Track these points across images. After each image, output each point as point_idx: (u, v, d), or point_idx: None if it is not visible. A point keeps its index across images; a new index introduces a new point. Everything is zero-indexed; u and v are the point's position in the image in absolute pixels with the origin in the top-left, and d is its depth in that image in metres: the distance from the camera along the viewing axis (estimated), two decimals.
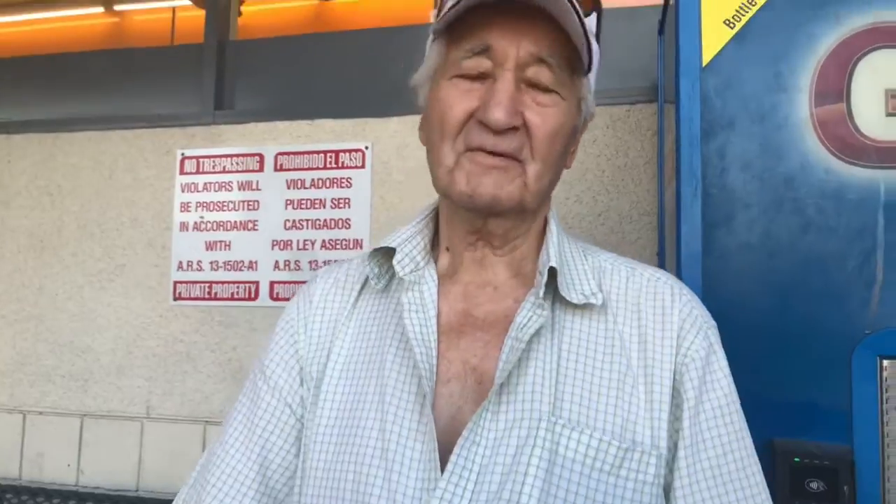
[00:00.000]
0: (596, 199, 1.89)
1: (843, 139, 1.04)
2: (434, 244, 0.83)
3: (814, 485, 0.96)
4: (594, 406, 0.70)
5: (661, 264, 1.68)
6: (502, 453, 0.67)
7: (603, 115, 1.91)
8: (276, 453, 0.79)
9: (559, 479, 0.66)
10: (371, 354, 0.77)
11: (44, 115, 2.33)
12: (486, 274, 0.79)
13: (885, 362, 0.98)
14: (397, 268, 0.77)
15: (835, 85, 1.06)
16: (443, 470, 0.67)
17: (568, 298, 0.74)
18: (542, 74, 0.72)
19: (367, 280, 0.83)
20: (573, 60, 0.73)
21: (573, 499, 0.66)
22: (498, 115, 0.69)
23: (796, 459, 0.97)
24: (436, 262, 0.81)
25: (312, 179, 2.11)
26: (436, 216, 0.84)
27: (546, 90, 0.73)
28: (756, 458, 0.73)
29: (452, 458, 0.67)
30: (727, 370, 0.74)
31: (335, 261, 0.90)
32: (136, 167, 2.19)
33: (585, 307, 0.75)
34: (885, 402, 0.97)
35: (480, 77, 0.72)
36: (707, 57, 1.13)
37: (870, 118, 1.03)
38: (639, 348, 0.73)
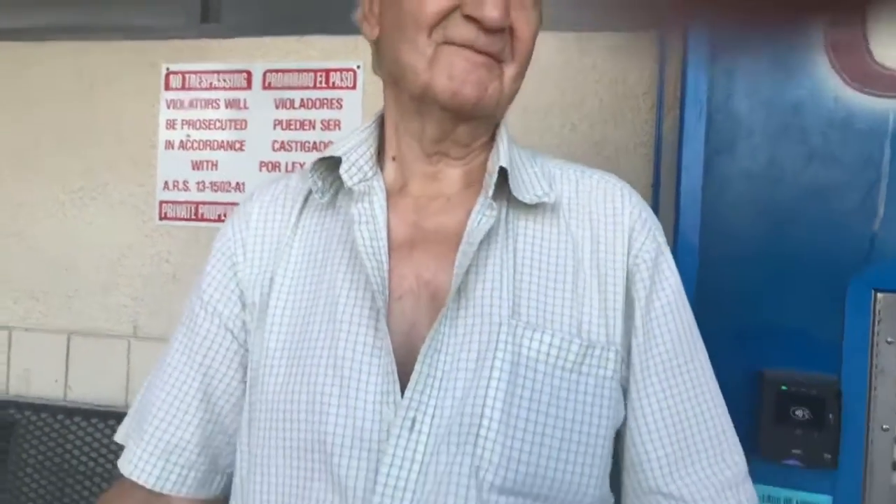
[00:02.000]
0: (592, 127, 1.85)
1: (856, 66, 1.00)
2: (379, 154, 0.79)
3: (799, 413, 0.97)
4: (550, 307, 0.70)
5: (656, 197, 1.66)
6: (464, 359, 0.67)
7: (602, 41, 1.85)
8: (219, 379, 0.77)
9: (524, 380, 0.66)
10: (319, 273, 0.74)
11: (19, 23, 2.21)
12: (438, 185, 0.77)
13: (880, 295, 0.98)
14: (344, 177, 0.74)
15: (852, 8, 1.01)
16: (402, 383, 0.66)
17: (520, 199, 0.72)
18: None
19: (308, 195, 0.79)
20: None
21: (538, 397, 0.66)
22: (495, 13, 0.66)
23: (783, 387, 0.98)
24: (382, 172, 0.78)
25: (302, 99, 2.04)
26: (380, 125, 0.81)
27: None
28: (703, 349, 0.75)
29: (417, 366, 0.66)
30: (674, 268, 0.76)
31: None
32: (118, 80, 2.11)
33: (538, 208, 0.74)
34: (876, 334, 0.97)
35: None
36: None
37: (887, 44, 1.00)
38: (591, 248, 0.73)
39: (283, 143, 2.06)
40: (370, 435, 0.66)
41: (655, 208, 1.67)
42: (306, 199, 0.79)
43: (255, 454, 0.72)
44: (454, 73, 0.68)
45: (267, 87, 2.06)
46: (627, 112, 1.84)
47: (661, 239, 0.76)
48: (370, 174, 0.76)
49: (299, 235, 0.77)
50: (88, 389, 2.04)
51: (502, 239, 0.72)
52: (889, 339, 0.97)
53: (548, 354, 0.67)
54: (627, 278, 0.72)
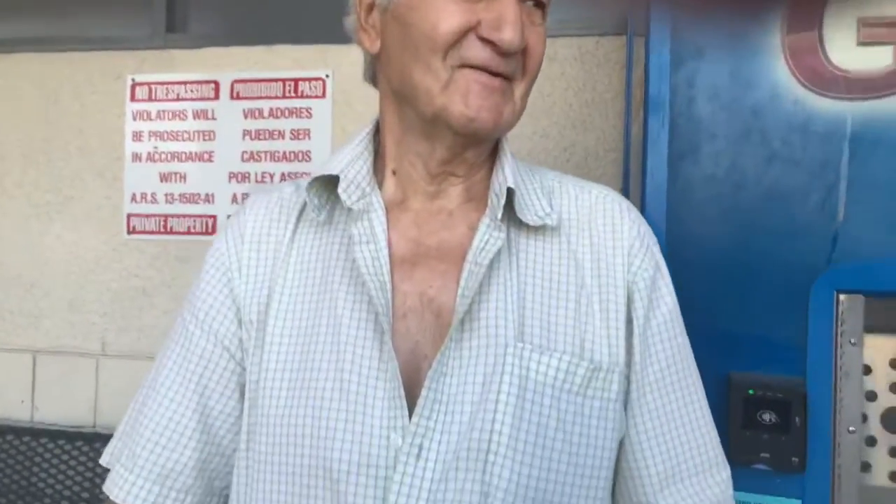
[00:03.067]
0: (562, 133, 1.86)
1: (814, 69, 1.01)
2: (376, 167, 0.77)
3: (766, 416, 0.97)
4: (554, 328, 0.69)
5: None
6: (471, 382, 0.66)
7: (571, 48, 1.85)
8: (216, 399, 0.74)
9: (531, 405, 0.66)
10: (319, 293, 0.72)
11: None
12: (440, 201, 0.75)
13: (842, 296, 0.98)
14: (343, 197, 0.72)
15: (808, 12, 1.02)
16: (408, 407, 0.65)
17: (525, 220, 0.72)
18: None
19: (302, 210, 0.77)
20: None
21: (546, 422, 0.66)
22: (512, 36, 0.65)
23: (751, 391, 0.98)
24: (380, 185, 0.76)
25: (271, 109, 2.02)
26: (374, 137, 0.79)
27: (539, 5, 0.70)
28: (695, 366, 0.76)
29: (423, 391, 0.65)
30: (671, 286, 0.75)
31: None
32: (83, 92, 2.07)
33: (540, 228, 0.73)
34: (839, 335, 0.98)
35: None
36: None
37: (841, 47, 1.00)
38: (592, 266, 0.72)
39: (252, 153, 2.03)
40: (377, 461, 0.64)
41: None
42: (301, 213, 0.77)
43: (255, 477, 0.70)
44: (470, 99, 0.66)
45: (235, 97, 2.04)
46: (597, 118, 1.84)
47: (659, 256, 0.76)
48: (368, 190, 0.74)
49: (296, 251, 0.75)
50: (55, 409, 2.00)
51: (506, 259, 0.71)
52: (852, 341, 0.97)
53: (555, 378, 0.67)
54: (627, 297, 0.72)
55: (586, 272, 0.72)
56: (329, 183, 0.74)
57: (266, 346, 0.72)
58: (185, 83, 2.06)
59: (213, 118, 2.05)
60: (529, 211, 0.72)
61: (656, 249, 0.76)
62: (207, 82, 2.05)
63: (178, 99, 2.06)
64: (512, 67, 0.68)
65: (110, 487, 0.75)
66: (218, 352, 0.74)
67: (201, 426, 0.73)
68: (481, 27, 0.66)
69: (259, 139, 2.03)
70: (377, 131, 0.80)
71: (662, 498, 0.71)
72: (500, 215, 0.70)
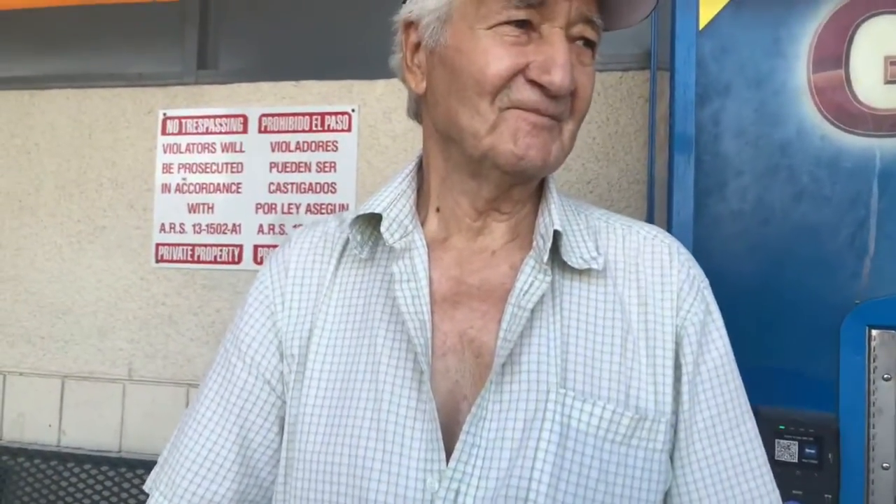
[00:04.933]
0: (585, 166, 1.87)
1: (841, 106, 1.02)
2: (418, 204, 0.77)
3: (798, 452, 0.96)
4: (598, 375, 0.67)
5: None
6: (510, 428, 0.64)
7: (595, 80, 1.88)
8: (255, 431, 0.74)
9: (572, 454, 0.64)
10: (360, 329, 0.72)
11: (20, 71, 2.25)
12: (483, 239, 0.74)
13: (874, 332, 0.97)
14: (386, 235, 0.72)
15: (834, 51, 1.04)
16: (445, 449, 0.64)
17: (570, 264, 0.70)
18: (587, 32, 0.68)
19: (345, 246, 0.78)
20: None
21: (587, 472, 0.64)
22: (562, 79, 0.64)
23: (781, 427, 0.97)
24: (422, 221, 0.76)
25: (297, 142, 2.07)
26: (417, 173, 0.79)
27: (589, 44, 0.69)
28: (751, 414, 0.72)
29: (462, 436, 0.64)
30: (723, 329, 0.73)
31: None
32: (116, 127, 2.13)
33: (585, 271, 0.71)
34: (872, 371, 0.97)
35: (522, 28, 0.66)
36: (704, 21, 1.10)
37: (868, 85, 1.01)
38: (638, 311, 0.70)
39: (279, 184, 2.07)
40: (413, 503, 0.63)
41: None
42: (344, 248, 0.77)
43: None
44: (519, 138, 0.66)
45: (263, 130, 2.09)
46: (620, 151, 1.86)
47: (710, 298, 0.73)
48: (410, 228, 0.73)
49: (338, 287, 0.75)
50: (82, 434, 2.02)
51: (549, 302, 0.69)
52: (886, 376, 0.97)
53: (598, 427, 0.65)
54: (676, 342, 0.69)
55: (633, 316, 0.70)
56: (372, 220, 0.74)
57: (306, 381, 0.72)
58: (214, 117, 2.11)
59: (242, 151, 2.10)
60: (575, 254, 0.71)
61: (708, 293, 0.73)
62: (236, 116, 2.10)
63: (207, 132, 2.12)
64: (561, 109, 0.67)
65: None
66: (259, 385, 0.74)
67: (241, 458, 0.73)
68: (530, 70, 0.65)
69: (286, 171, 2.07)
70: (420, 167, 0.79)
71: None
72: (546, 258, 0.68)
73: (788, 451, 0.97)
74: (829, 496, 0.95)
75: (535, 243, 0.71)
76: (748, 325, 1.02)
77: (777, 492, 0.72)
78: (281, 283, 0.77)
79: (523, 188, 0.73)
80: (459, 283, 0.72)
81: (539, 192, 0.76)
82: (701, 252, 1.04)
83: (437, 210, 0.76)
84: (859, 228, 1.00)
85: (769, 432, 0.97)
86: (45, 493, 1.86)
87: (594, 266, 0.71)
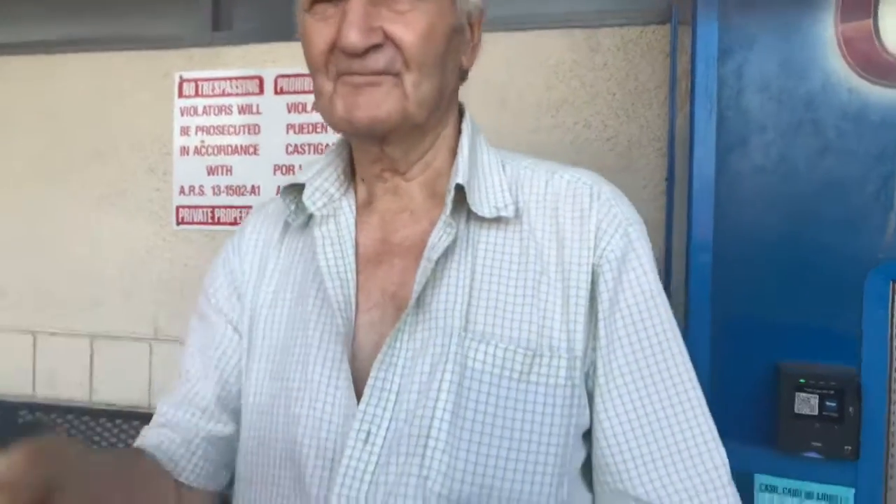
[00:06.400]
0: (605, 123, 1.85)
1: (869, 57, 1.00)
2: (354, 173, 0.82)
3: (818, 405, 0.97)
4: (507, 316, 0.70)
5: (671, 191, 1.66)
6: (419, 371, 0.68)
7: (614, 37, 1.85)
8: (235, 379, 0.82)
9: (468, 391, 0.67)
10: (298, 292, 0.78)
11: (40, 35, 2.25)
12: (401, 200, 0.78)
13: None
14: (307, 203, 0.76)
15: (862, 0, 1.01)
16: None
17: (479, 213, 0.73)
18: None
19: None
20: None
21: (484, 408, 0.67)
22: (352, 38, 0.67)
23: (801, 381, 0.98)
24: (356, 192, 0.80)
25: (313, 103, 2.06)
26: (349, 145, 0.82)
27: None
28: (681, 350, 0.72)
29: (370, 380, 0.68)
30: (648, 266, 0.72)
31: None
32: (134, 90, 2.14)
33: (499, 219, 0.74)
34: (894, 326, 0.97)
35: (335, 3, 0.69)
36: None
37: None
38: (557, 253, 0.72)
39: (296, 146, 2.07)
40: (332, 445, 0.69)
41: (669, 203, 1.67)
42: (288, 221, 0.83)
43: (243, 463, 0.77)
44: (343, 102, 0.69)
45: (279, 91, 2.08)
46: (640, 108, 1.84)
47: (636, 235, 0.73)
48: (337, 195, 0.78)
49: (282, 254, 0.81)
50: (112, 391, 2.08)
51: (461, 252, 0.72)
52: None
53: (493, 366, 0.68)
54: (592, 280, 0.71)
55: (549, 258, 0.72)
56: (303, 190, 0.79)
57: (254, 338, 0.79)
58: (230, 79, 2.11)
59: (258, 112, 2.10)
60: (487, 203, 0.73)
61: (633, 230, 0.73)
62: (252, 78, 2.09)
63: (223, 94, 2.11)
64: (381, 63, 0.69)
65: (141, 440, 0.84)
66: (232, 333, 0.82)
67: (220, 405, 0.82)
68: (338, 39, 0.69)
69: (302, 133, 2.07)
70: None
71: (641, 484, 0.69)
72: (448, 212, 0.71)
73: (808, 404, 0.98)
74: (850, 448, 0.96)
75: (446, 198, 0.74)
76: (771, 281, 1.03)
77: (708, 421, 0.71)
78: (239, 248, 0.84)
79: (393, 147, 0.74)
80: (384, 243, 0.76)
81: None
82: (723, 209, 1.04)
83: (362, 180, 0.80)
84: (885, 183, 0.99)
85: (790, 386, 0.98)
86: None
87: (504, 214, 0.73)
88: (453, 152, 0.78)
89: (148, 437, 0.82)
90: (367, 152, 0.76)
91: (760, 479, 1.04)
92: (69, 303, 2.14)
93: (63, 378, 2.13)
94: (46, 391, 2.13)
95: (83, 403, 2.08)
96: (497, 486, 0.66)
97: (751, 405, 1.02)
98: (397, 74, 0.69)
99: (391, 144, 0.74)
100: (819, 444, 0.97)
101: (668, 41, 1.82)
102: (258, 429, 0.75)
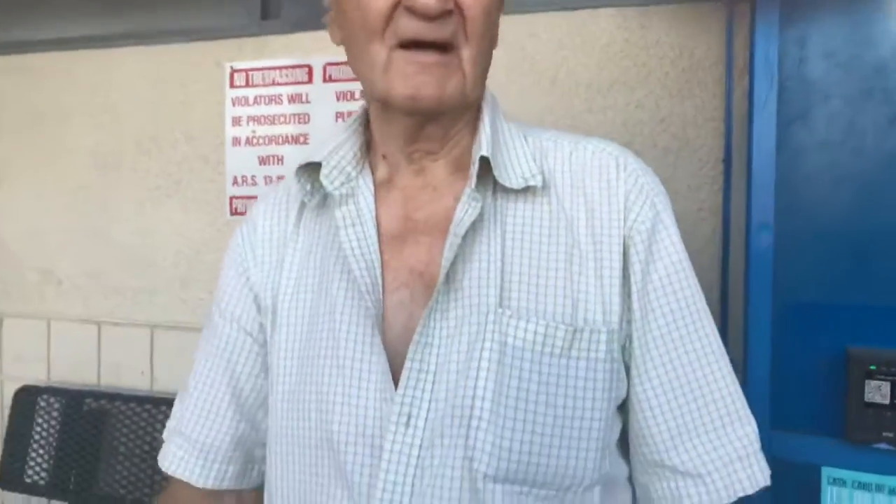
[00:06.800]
0: (658, 103, 1.79)
1: None
2: (370, 151, 0.79)
3: (890, 393, 0.91)
4: (541, 291, 0.69)
5: (728, 171, 1.59)
6: (455, 351, 0.67)
7: (665, 14, 1.78)
8: (244, 381, 0.81)
9: (510, 369, 0.66)
10: (320, 276, 0.76)
11: (98, 30, 2.32)
12: (425, 177, 0.76)
13: None
14: (325, 183, 0.75)
15: None
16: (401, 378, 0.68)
17: (506, 185, 0.71)
18: None
19: None
20: None
21: (527, 385, 0.66)
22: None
23: (872, 367, 0.92)
24: (373, 170, 0.78)
25: (362, 90, 2.06)
26: (365, 122, 0.80)
27: None
28: (710, 321, 0.72)
29: (407, 363, 0.67)
30: (676, 237, 0.72)
31: None
32: (186, 81, 2.18)
33: (527, 191, 0.72)
34: None
35: None
36: None
37: None
38: (586, 224, 0.71)
39: None
40: (372, 431, 0.68)
41: (727, 184, 1.61)
42: (303, 202, 0.81)
43: (274, 450, 0.76)
44: (409, 78, 0.66)
45: (328, 80, 2.09)
46: (695, 86, 1.76)
47: (662, 206, 0.72)
48: (354, 174, 0.77)
49: (301, 238, 0.79)
50: (171, 380, 2.14)
51: (490, 226, 0.71)
52: None
53: (533, 342, 0.67)
54: (623, 252, 0.70)
55: (580, 231, 0.70)
56: (318, 169, 0.77)
57: (277, 329, 0.78)
58: (279, 68, 2.13)
59: (308, 101, 2.11)
60: (513, 175, 0.72)
61: (659, 201, 0.73)
62: (301, 66, 2.11)
63: (273, 84, 2.14)
64: (448, 31, 0.66)
65: (163, 461, 0.84)
66: (242, 337, 0.81)
67: (234, 405, 0.81)
68: None
69: None
70: (368, 117, 0.81)
71: (676, 455, 0.70)
72: (473, 184, 0.69)
73: (879, 391, 0.92)
74: None
75: (470, 172, 0.72)
76: (837, 262, 0.97)
77: (739, 392, 0.72)
78: (251, 240, 0.82)
79: (437, 125, 0.73)
80: (407, 220, 0.75)
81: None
82: (784, 184, 0.99)
83: (384, 157, 0.78)
84: None
85: (859, 373, 0.93)
86: (140, 434, 1.99)
87: (532, 183, 0.71)
88: (475, 127, 0.77)
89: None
90: (405, 130, 0.73)
91: (828, 472, 0.99)
92: (131, 293, 2.21)
93: (126, 367, 2.20)
94: (110, 380, 2.21)
95: (144, 392, 2.14)
96: (543, 463, 0.66)
97: (817, 394, 0.97)
98: (457, 48, 0.68)
99: (436, 123, 0.73)
100: (891, 435, 0.91)
101: (722, 17, 1.74)
102: (286, 419, 0.75)
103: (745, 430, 0.71)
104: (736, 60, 1.60)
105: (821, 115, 0.98)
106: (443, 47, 0.67)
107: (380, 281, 0.72)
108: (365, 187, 0.76)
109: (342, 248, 0.73)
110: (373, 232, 0.74)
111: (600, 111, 1.81)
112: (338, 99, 2.08)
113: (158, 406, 2.01)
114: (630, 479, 0.76)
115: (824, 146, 0.98)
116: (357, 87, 2.04)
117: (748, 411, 0.72)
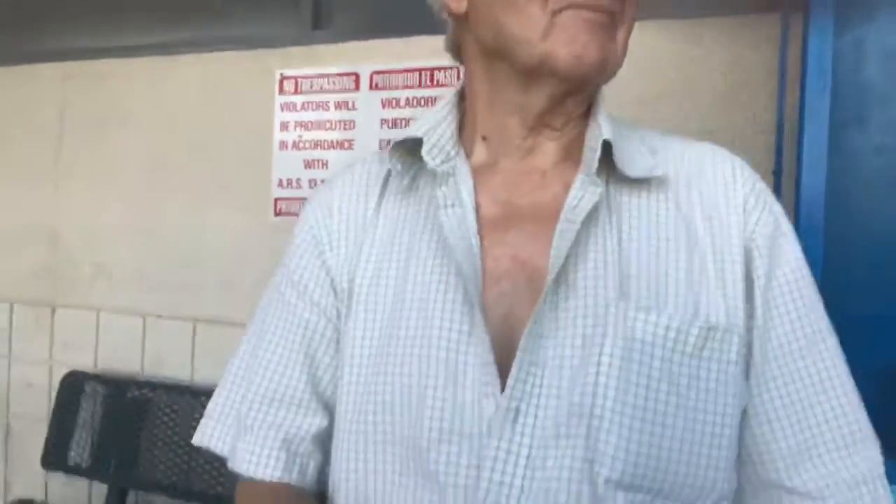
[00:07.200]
0: (707, 115, 1.77)
1: None
2: (463, 136, 0.74)
3: None
4: (664, 287, 0.64)
5: (778, 184, 1.55)
6: (569, 346, 0.62)
7: (717, 26, 1.76)
8: (323, 370, 0.73)
9: (638, 366, 0.60)
10: (406, 260, 0.70)
11: (153, 39, 2.41)
12: (532, 160, 0.71)
13: None
14: (427, 158, 0.69)
15: None
16: (502, 373, 0.62)
17: (627, 173, 0.67)
18: None
19: (387, 179, 0.75)
20: None
21: (656, 385, 0.60)
22: None
23: None
24: (468, 153, 0.73)
25: (407, 98, 2.09)
26: (459, 103, 0.76)
27: None
28: (831, 331, 0.67)
29: (518, 354, 0.61)
30: (795, 243, 0.68)
31: None
32: (238, 88, 2.24)
33: (644, 183, 0.68)
34: None
35: None
36: None
37: None
38: (703, 223, 0.67)
39: (389, 140, 2.09)
40: (470, 430, 0.62)
41: (777, 197, 1.56)
42: (385, 183, 0.75)
43: (342, 447, 0.69)
44: (577, 37, 0.62)
45: (374, 87, 2.12)
46: (745, 98, 1.74)
47: (779, 211, 0.69)
48: (452, 154, 0.71)
49: (382, 220, 0.73)
50: (212, 372, 2.18)
51: (605, 217, 0.66)
52: None
53: (664, 338, 0.61)
54: (745, 256, 0.66)
55: (698, 230, 0.66)
56: (413, 150, 0.71)
57: (352, 316, 0.71)
58: (327, 76, 2.17)
59: (354, 108, 2.15)
60: (633, 164, 0.67)
61: (777, 207, 0.69)
62: (348, 74, 2.15)
63: (321, 91, 2.18)
64: (617, 3, 0.63)
65: (239, 464, 0.73)
66: (323, 322, 0.73)
67: (315, 395, 0.73)
68: None
69: (396, 127, 2.10)
70: (461, 100, 0.76)
71: (797, 475, 0.64)
72: (594, 168, 0.65)
73: None
74: None
75: (584, 157, 0.68)
76: (886, 272, 0.93)
77: (863, 411, 0.66)
78: (326, 223, 0.75)
79: (577, 98, 0.68)
80: (509, 206, 0.70)
81: (590, 112, 0.72)
82: (836, 190, 0.96)
83: (483, 139, 0.73)
84: None
85: None
86: (180, 423, 2.04)
87: (655, 173, 0.67)
88: (587, 115, 0.72)
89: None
90: (549, 100, 0.68)
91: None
92: (177, 289, 2.27)
93: (169, 359, 2.26)
94: (153, 370, 2.27)
95: (186, 382, 2.19)
96: (672, 471, 0.60)
97: (870, 409, 0.94)
98: (615, 20, 0.65)
99: (578, 96, 0.69)
100: None
101: (775, 29, 1.71)
102: (361, 412, 0.68)
103: (868, 451, 0.65)
104: (789, 71, 1.57)
105: (877, 119, 0.96)
106: (609, 14, 0.63)
107: (480, 269, 0.66)
108: (464, 168, 0.71)
109: (443, 230, 0.67)
110: (472, 216, 0.68)
111: (647, 123, 1.78)
112: (383, 106, 2.11)
113: (198, 397, 2.05)
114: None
115: (879, 151, 0.95)
116: (402, 94, 2.07)
117: (872, 430, 0.66)
